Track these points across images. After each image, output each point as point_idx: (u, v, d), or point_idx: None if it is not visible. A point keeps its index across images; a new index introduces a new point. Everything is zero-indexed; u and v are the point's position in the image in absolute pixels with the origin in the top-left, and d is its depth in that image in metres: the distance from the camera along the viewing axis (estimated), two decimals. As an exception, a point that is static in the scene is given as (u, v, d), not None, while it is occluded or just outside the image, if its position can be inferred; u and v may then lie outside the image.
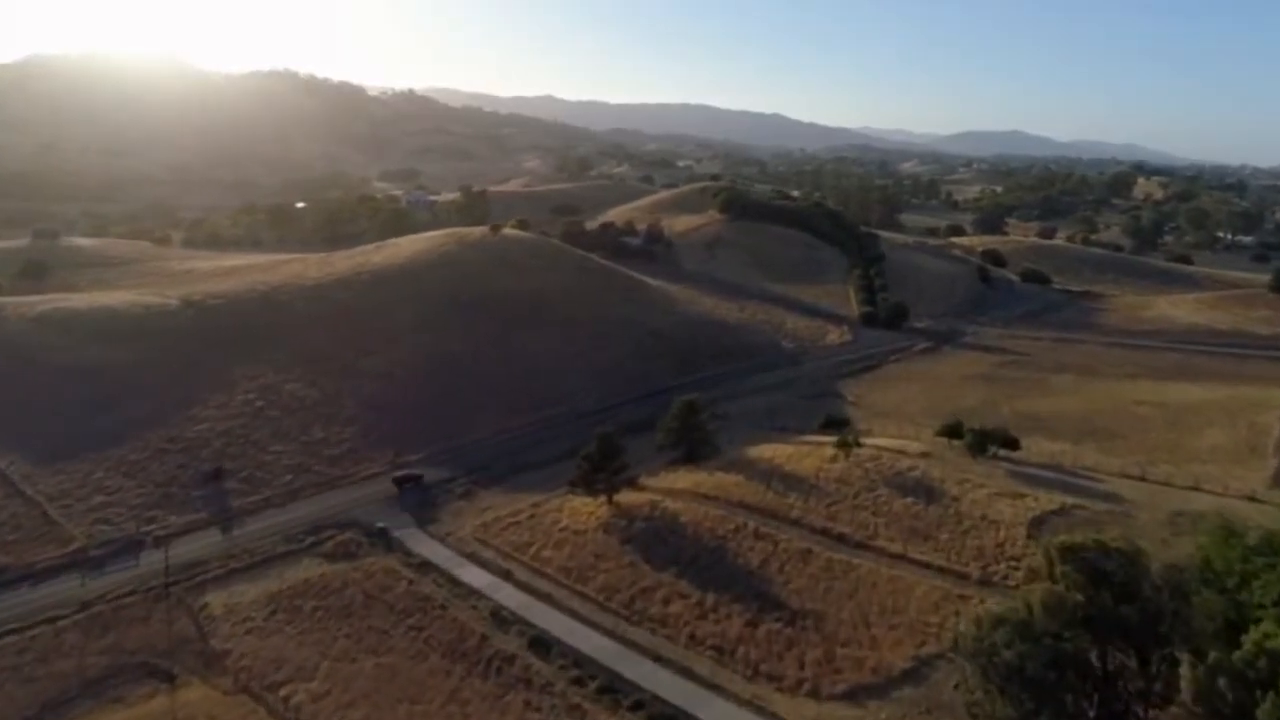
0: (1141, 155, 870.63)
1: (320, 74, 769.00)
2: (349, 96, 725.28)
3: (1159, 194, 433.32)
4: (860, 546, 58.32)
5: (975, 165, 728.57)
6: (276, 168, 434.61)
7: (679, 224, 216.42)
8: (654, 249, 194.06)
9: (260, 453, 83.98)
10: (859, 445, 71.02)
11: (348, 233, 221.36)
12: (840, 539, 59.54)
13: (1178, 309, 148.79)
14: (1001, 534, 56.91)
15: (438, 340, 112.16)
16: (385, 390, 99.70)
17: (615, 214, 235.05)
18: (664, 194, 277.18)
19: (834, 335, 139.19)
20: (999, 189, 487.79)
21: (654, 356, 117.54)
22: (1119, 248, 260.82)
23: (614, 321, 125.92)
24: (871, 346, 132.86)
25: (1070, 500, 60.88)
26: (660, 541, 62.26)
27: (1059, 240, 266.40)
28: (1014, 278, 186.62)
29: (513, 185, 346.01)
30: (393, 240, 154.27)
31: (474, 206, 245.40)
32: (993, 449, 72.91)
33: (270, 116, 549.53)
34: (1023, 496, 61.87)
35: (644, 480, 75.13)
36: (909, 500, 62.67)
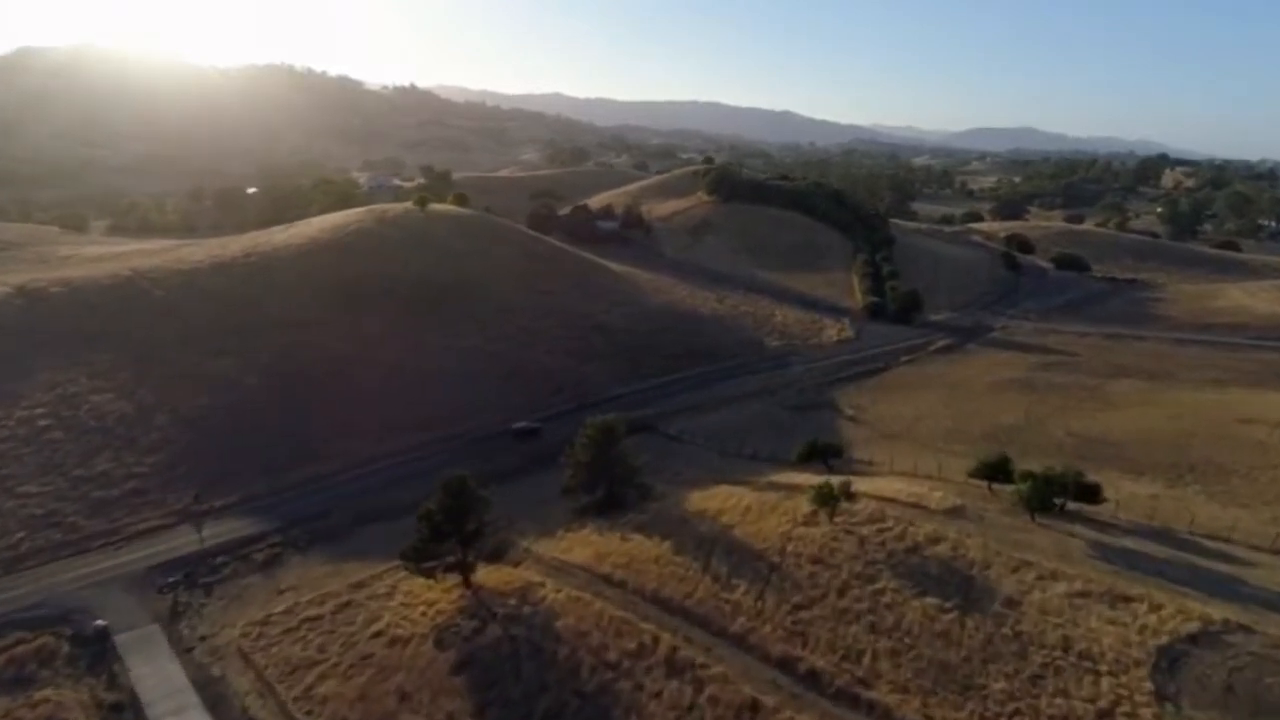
0: (1159, 150, 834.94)
1: (322, 70, 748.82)
2: (345, 91, 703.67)
3: (1188, 183, 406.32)
4: (845, 698, 32.69)
5: (989, 158, 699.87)
6: (255, 158, 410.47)
7: (663, 208, 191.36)
8: (630, 234, 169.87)
9: (1, 495, 59.21)
10: (850, 498, 45.21)
11: (296, 217, 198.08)
12: (811, 680, 33.90)
13: (1256, 298, 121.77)
14: (1104, 686, 31.01)
15: (317, 337, 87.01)
16: (225, 403, 74.58)
17: (596, 199, 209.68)
18: (652, 179, 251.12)
19: (832, 330, 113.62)
20: (1017, 179, 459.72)
21: (598, 357, 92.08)
22: (1155, 235, 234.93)
23: (553, 314, 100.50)
24: (878, 344, 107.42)
25: (1216, 611, 34.70)
26: (513, 671, 37.00)
27: (1089, 226, 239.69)
28: (1046, 264, 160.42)
29: (502, 174, 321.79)
30: (305, 219, 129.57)
31: (437, 189, 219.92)
32: (1060, 501, 47.21)
33: (258, 109, 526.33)
34: (1129, 601, 35.50)
35: (533, 541, 50.31)
36: (931, 603, 36.86)
